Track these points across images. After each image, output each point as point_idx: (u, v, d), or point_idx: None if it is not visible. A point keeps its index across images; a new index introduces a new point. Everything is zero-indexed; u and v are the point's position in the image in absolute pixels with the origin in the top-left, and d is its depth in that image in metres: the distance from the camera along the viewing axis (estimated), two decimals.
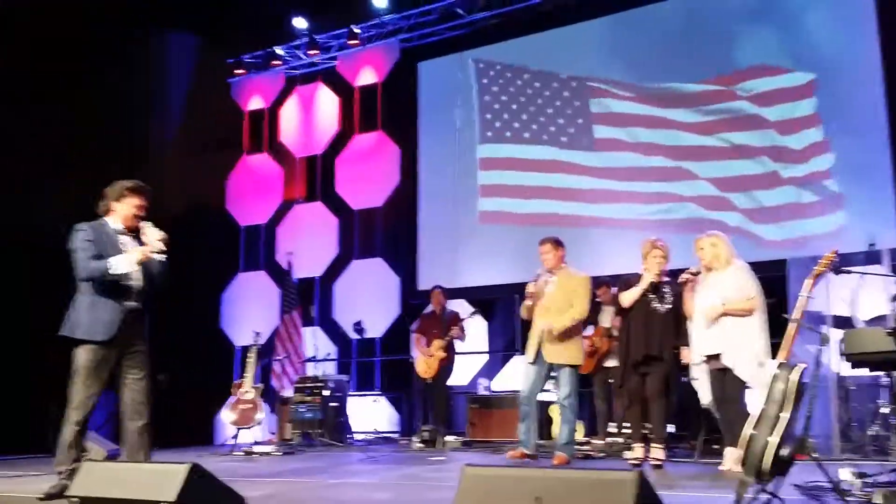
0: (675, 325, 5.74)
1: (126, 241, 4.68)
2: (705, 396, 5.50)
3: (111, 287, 4.51)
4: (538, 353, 6.14)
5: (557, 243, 6.26)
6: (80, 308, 4.52)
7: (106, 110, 9.57)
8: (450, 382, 8.72)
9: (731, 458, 5.28)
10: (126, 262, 4.50)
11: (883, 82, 8.11)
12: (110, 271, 4.47)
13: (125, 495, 3.27)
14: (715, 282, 5.41)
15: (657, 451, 5.69)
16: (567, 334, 6.07)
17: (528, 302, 6.23)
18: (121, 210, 4.68)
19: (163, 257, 4.65)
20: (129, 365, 4.60)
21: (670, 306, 5.75)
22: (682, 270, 5.67)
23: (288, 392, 9.60)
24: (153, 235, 4.61)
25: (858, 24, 8.31)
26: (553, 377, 6.26)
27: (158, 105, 11.31)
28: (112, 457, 5.81)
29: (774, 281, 6.61)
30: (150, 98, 11.17)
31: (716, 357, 5.32)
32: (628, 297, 5.85)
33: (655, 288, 5.81)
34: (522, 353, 6.41)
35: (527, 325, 6.38)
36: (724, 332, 5.26)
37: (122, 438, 4.62)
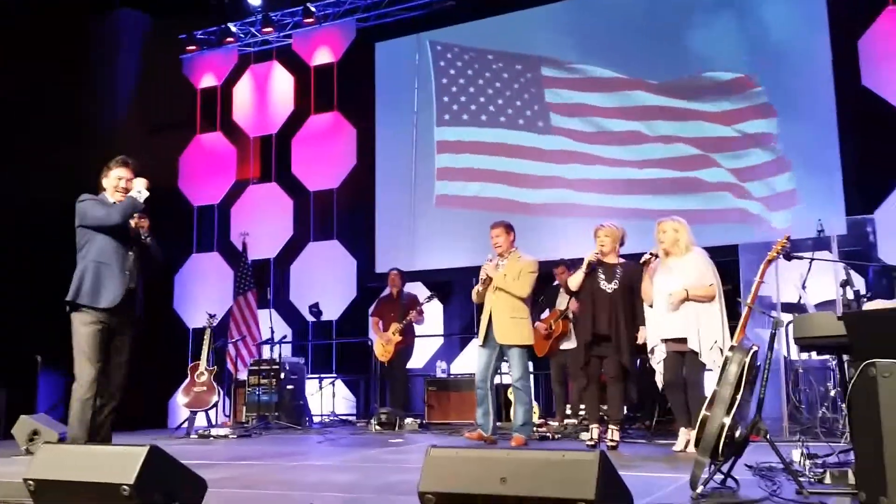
0: (628, 306, 5.84)
1: None
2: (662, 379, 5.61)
3: (114, 260, 4.68)
4: (488, 335, 6.20)
5: (508, 228, 6.35)
6: (85, 276, 4.63)
7: (54, 88, 9.32)
8: (408, 365, 8.75)
9: (686, 438, 5.41)
10: (143, 188, 4.80)
11: (832, 72, 8.32)
12: (140, 199, 4.74)
13: (83, 478, 3.21)
14: (674, 267, 5.50)
15: (613, 433, 5.80)
16: (515, 315, 6.13)
17: (479, 286, 6.28)
18: (108, 184, 4.88)
19: (149, 241, 4.93)
20: (116, 346, 4.69)
21: (617, 286, 5.84)
22: (636, 256, 5.76)
23: (243, 375, 9.52)
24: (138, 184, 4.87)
25: (810, 18, 8.51)
26: (507, 360, 6.32)
27: (108, 82, 11.05)
28: (64, 439, 5.70)
29: (726, 266, 6.76)
30: (100, 75, 10.90)
31: (675, 340, 5.42)
32: (573, 280, 5.99)
33: (604, 268, 5.90)
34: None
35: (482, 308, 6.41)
36: (686, 316, 5.36)
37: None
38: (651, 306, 5.60)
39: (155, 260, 5.01)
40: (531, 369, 8.74)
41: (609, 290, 5.85)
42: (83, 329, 4.55)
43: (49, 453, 3.43)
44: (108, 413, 4.64)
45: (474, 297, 6.43)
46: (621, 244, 6.03)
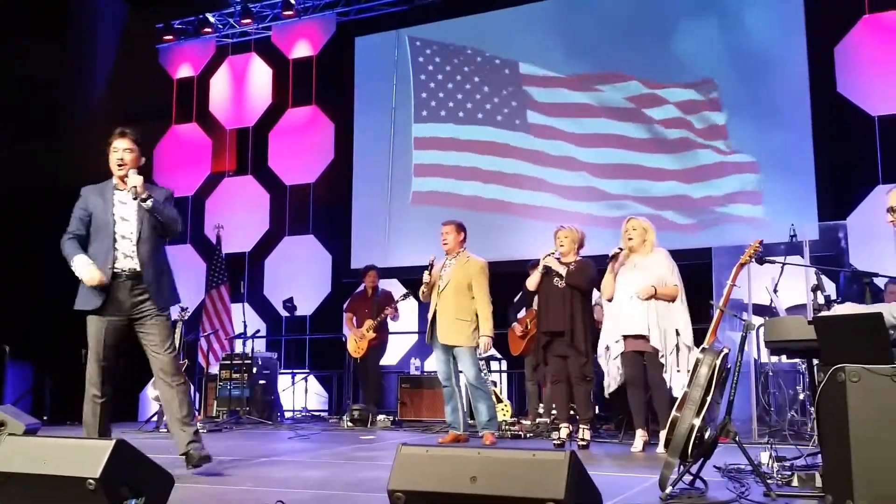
0: (581, 297, 5.87)
1: (122, 197, 4.37)
2: (614, 379, 5.65)
3: (99, 252, 4.25)
4: (433, 334, 6.19)
5: (460, 227, 6.35)
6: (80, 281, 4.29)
7: (28, 76, 9.18)
8: (382, 362, 8.73)
9: (643, 439, 5.47)
10: (85, 272, 4.17)
11: (808, 78, 8.41)
12: (71, 267, 4.21)
13: (49, 471, 3.16)
14: (639, 265, 5.53)
15: (583, 432, 5.82)
16: (459, 316, 6.12)
17: (423, 288, 6.29)
18: (111, 162, 4.40)
19: (148, 203, 4.27)
20: (143, 333, 4.41)
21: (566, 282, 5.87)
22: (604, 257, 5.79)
23: (214, 369, 9.44)
24: (131, 182, 4.26)
25: (786, 25, 8.59)
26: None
27: (84, 71, 10.91)
28: (31, 431, 5.63)
29: (699, 269, 6.81)
30: (75, 63, 10.76)
31: (635, 337, 5.46)
32: (531, 281, 6.09)
33: (561, 266, 5.95)
34: None
35: None
36: (648, 314, 5.39)
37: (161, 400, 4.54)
38: (610, 300, 5.62)
39: (166, 227, 4.44)
40: (504, 367, 8.84)
41: (560, 286, 5.89)
42: (89, 330, 4.32)
43: (14, 445, 3.37)
44: (175, 391, 4.54)
45: (421, 296, 6.44)
46: (580, 247, 6.07)
